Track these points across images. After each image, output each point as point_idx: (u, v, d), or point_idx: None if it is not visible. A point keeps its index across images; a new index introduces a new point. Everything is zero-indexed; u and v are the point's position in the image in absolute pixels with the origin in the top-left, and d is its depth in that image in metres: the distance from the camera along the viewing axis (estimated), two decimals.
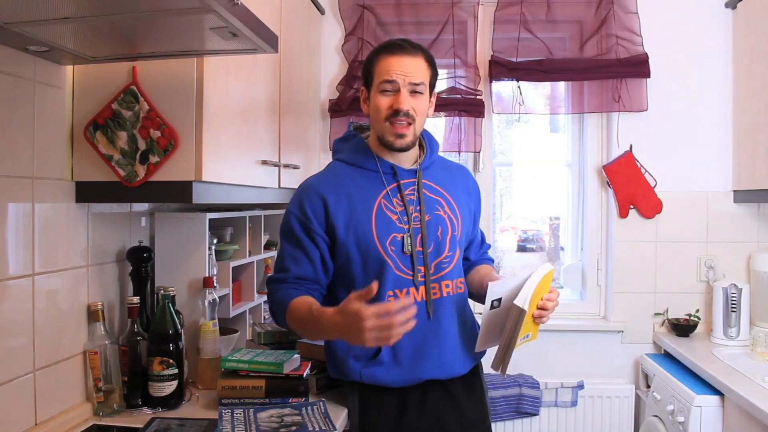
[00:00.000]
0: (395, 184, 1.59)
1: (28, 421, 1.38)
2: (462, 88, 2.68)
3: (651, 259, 2.70)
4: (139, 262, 1.70)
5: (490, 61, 2.68)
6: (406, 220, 1.55)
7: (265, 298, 2.32)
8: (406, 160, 1.62)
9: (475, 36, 2.72)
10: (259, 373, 1.59)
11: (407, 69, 1.53)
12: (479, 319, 1.52)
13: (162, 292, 1.65)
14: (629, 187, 2.68)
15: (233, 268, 2.04)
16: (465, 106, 2.67)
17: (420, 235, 1.55)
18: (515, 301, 1.40)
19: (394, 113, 1.52)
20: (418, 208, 1.58)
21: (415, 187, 1.60)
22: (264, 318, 2.38)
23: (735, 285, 2.48)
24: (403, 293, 1.52)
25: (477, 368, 1.69)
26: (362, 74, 1.63)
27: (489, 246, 1.86)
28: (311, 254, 1.56)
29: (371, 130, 1.63)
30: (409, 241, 1.53)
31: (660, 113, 2.68)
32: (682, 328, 2.60)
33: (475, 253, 1.79)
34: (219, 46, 1.29)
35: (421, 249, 1.55)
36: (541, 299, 1.47)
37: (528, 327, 1.47)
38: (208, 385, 1.75)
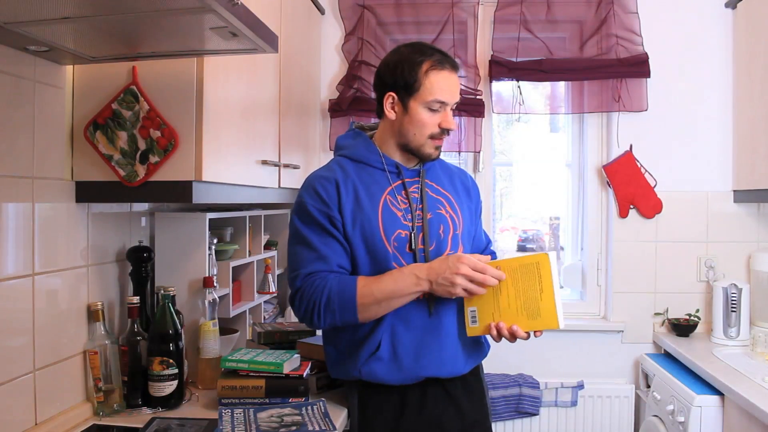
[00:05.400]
0: (400, 182, 1.59)
1: (28, 421, 1.38)
2: (462, 88, 2.68)
3: (651, 259, 2.70)
4: (139, 262, 1.70)
5: (490, 61, 2.68)
6: (410, 217, 1.56)
7: (265, 297, 2.32)
8: (410, 161, 1.62)
9: (475, 36, 2.72)
10: (259, 373, 1.59)
11: (456, 88, 1.56)
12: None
13: (162, 292, 1.65)
14: (629, 187, 2.68)
15: (233, 268, 2.04)
16: (465, 106, 2.67)
17: (422, 233, 1.56)
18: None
19: (442, 132, 1.55)
20: (420, 206, 1.58)
21: (419, 186, 1.60)
22: (264, 318, 2.38)
23: (735, 285, 2.48)
24: None
25: (477, 369, 1.69)
26: (394, 78, 1.53)
27: (494, 253, 1.85)
28: (341, 241, 1.53)
29: (391, 134, 1.59)
30: (414, 239, 1.54)
31: (660, 113, 2.68)
32: (682, 328, 2.60)
33: None
34: (219, 46, 1.29)
35: (422, 247, 1.55)
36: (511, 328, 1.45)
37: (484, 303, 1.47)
38: (208, 385, 1.75)
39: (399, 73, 1.52)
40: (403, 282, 1.46)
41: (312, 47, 2.61)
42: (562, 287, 2.87)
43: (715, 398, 2.04)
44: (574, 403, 2.66)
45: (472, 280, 1.42)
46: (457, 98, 1.57)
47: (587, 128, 2.81)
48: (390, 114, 1.56)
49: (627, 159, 2.68)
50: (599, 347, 2.74)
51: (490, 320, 1.47)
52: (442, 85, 1.51)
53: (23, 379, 1.37)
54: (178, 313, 1.69)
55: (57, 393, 1.47)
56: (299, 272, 1.52)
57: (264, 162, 1.92)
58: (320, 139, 2.76)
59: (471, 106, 2.67)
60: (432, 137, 1.55)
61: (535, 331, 1.45)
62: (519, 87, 2.69)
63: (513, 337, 1.45)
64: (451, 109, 1.56)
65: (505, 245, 3.12)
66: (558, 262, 3.00)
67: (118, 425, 1.49)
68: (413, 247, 1.53)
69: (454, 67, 1.55)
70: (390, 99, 1.55)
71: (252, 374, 1.59)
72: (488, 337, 1.73)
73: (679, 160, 2.69)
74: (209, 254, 1.86)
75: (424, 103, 1.52)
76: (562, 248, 3.04)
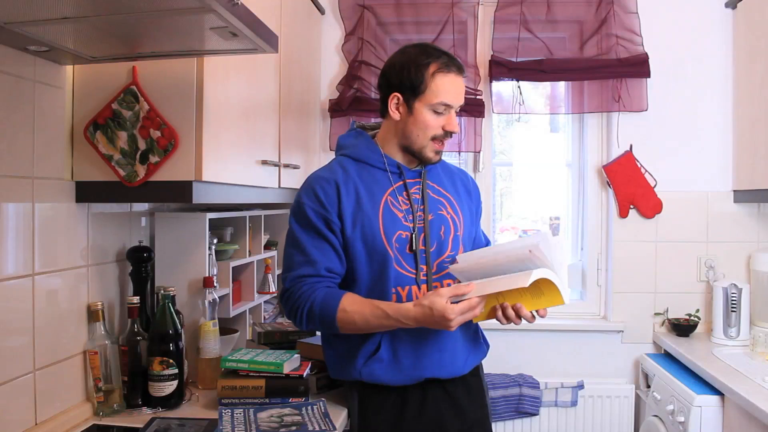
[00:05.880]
0: (401, 183, 1.59)
1: (28, 421, 1.38)
2: None
3: (651, 259, 2.70)
4: (139, 262, 1.70)
5: (490, 61, 2.68)
6: (411, 218, 1.56)
7: (265, 297, 2.32)
8: (412, 161, 1.62)
9: (475, 36, 2.72)
10: (259, 373, 1.59)
11: (461, 91, 1.56)
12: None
13: (162, 292, 1.65)
14: (629, 187, 2.68)
15: (233, 268, 2.04)
16: (465, 105, 2.61)
17: (423, 234, 1.55)
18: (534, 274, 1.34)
19: (446, 134, 1.56)
20: (422, 207, 1.58)
21: (420, 187, 1.60)
22: (264, 318, 2.38)
23: (735, 285, 2.48)
24: (405, 291, 1.52)
25: (477, 369, 1.69)
26: (400, 79, 1.53)
27: None
28: (335, 245, 1.53)
29: (394, 134, 1.59)
30: (416, 240, 1.54)
31: (660, 113, 2.68)
32: (682, 328, 2.60)
33: None
34: (219, 46, 1.29)
35: (423, 248, 1.55)
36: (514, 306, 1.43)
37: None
38: (208, 385, 1.75)
39: (405, 75, 1.53)
40: (387, 323, 1.46)
41: (312, 47, 2.61)
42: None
43: (715, 398, 2.04)
44: (574, 403, 2.66)
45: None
46: (461, 101, 1.57)
47: (587, 128, 2.81)
48: (394, 114, 1.56)
49: (627, 159, 2.68)
50: (599, 347, 2.74)
51: (495, 303, 1.45)
52: (448, 88, 1.52)
53: (23, 379, 1.37)
54: (178, 313, 1.69)
55: (57, 393, 1.47)
56: (289, 274, 1.55)
57: (264, 162, 1.92)
58: (320, 139, 2.76)
59: (471, 106, 2.67)
60: (434, 139, 1.55)
61: (539, 311, 1.45)
62: (519, 87, 2.69)
63: (518, 317, 1.44)
64: (455, 111, 1.57)
65: None
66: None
67: (118, 425, 1.49)
68: (414, 248, 1.53)
69: (461, 70, 1.55)
70: (395, 99, 1.55)
71: (252, 374, 1.59)
72: (488, 335, 1.74)
73: (679, 160, 2.69)
74: (209, 254, 1.86)
75: (429, 105, 1.52)
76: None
